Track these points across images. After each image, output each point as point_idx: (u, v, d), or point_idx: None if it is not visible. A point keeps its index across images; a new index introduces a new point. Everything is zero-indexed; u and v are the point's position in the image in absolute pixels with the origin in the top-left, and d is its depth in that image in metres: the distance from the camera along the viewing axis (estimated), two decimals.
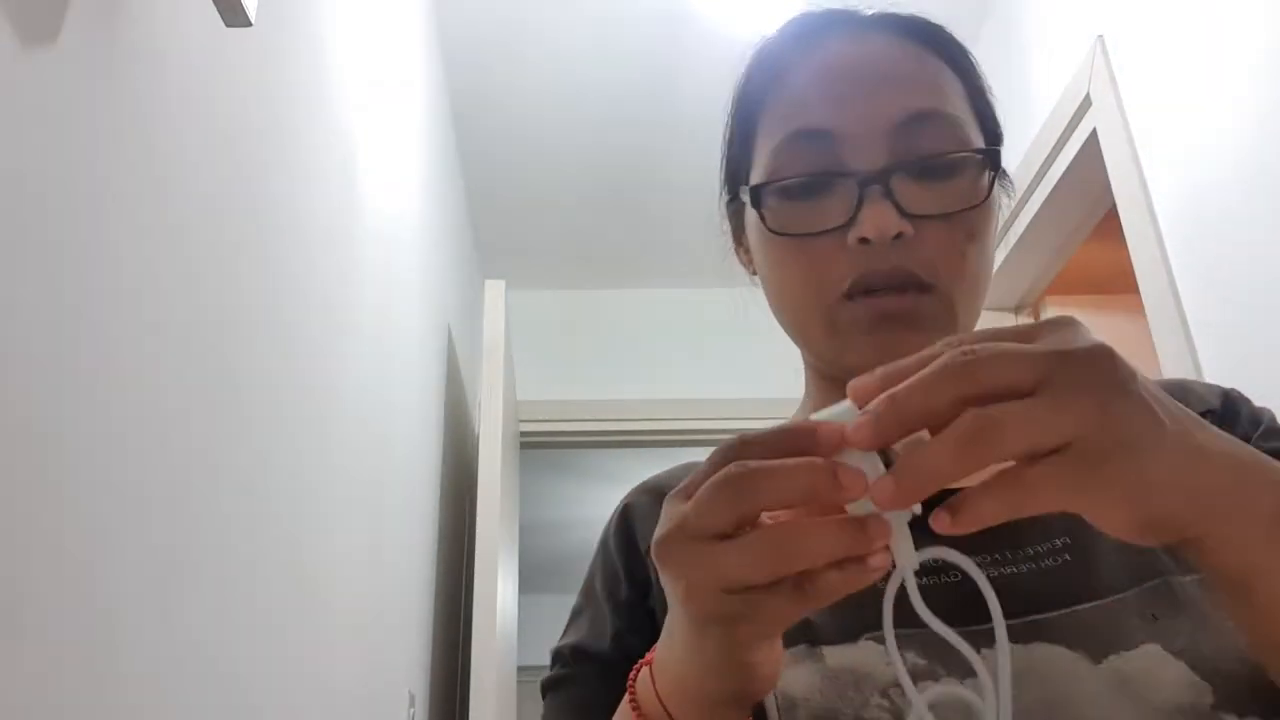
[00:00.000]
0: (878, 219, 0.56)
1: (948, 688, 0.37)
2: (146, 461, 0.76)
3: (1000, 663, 0.36)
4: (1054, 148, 2.08)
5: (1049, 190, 2.14)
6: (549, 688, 0.64)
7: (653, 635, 0.60)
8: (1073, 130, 2.03)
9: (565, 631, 0.67)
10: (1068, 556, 0.56)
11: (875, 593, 0.38)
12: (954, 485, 0.35)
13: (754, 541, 0.37)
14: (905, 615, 0.37)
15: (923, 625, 0.37)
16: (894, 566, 0.37)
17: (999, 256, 1.52)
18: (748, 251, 0.68)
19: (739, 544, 0.37)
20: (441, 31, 2.46)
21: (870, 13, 0.65)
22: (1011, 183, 0.67)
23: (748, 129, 0.65)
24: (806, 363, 0.68)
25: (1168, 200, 1.73)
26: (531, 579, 4.58)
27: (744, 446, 0.38)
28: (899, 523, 0.37)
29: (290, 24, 1.20)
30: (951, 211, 0.58)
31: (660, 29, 2.47)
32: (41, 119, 0.63)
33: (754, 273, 0.68)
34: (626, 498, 0.70)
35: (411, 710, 1.91)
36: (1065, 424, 0.34)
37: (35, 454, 0.61)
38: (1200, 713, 0.48)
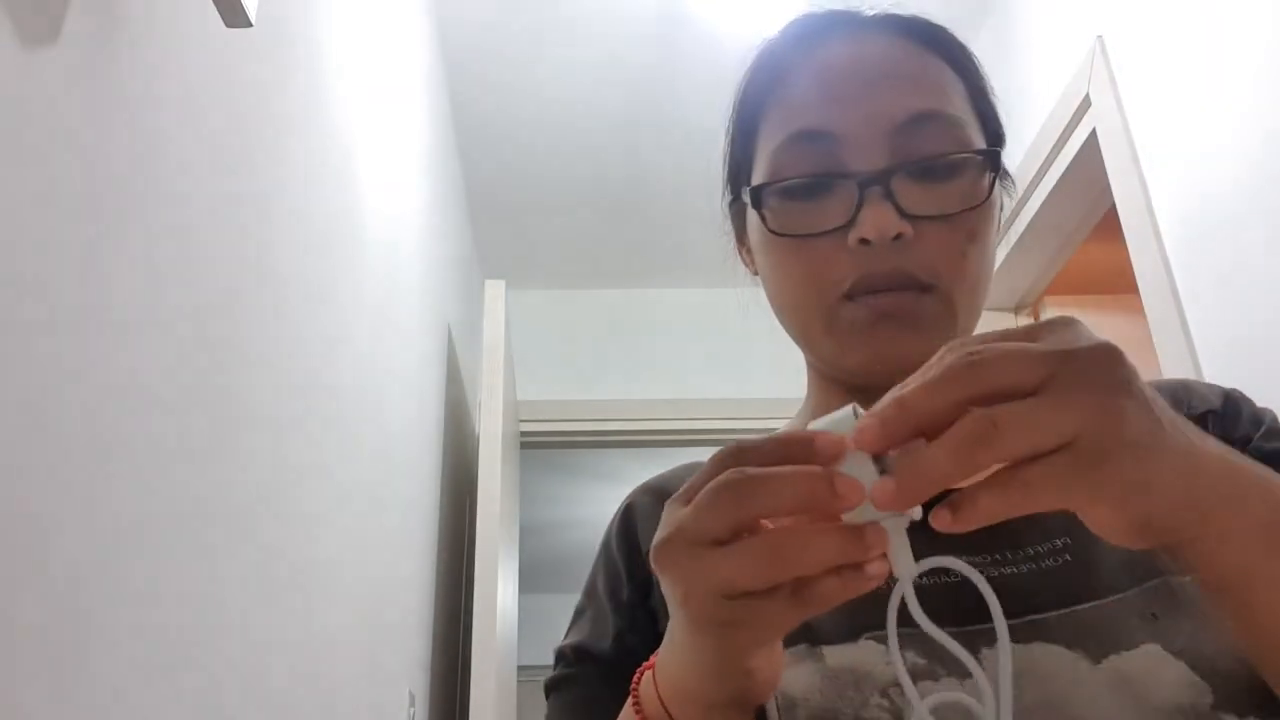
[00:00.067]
0: (878, 220, 0.57)
1: (949, 693, 0.38)
2: (145, 461, 0.76)
3: (1001, 664, 0.36)
4: (1054, 148, 2.08)
5: (1049, 190, 2.14)
6: (552, 688, 0.65)
7: (654, 635, 0.60)
8: (1072, 130, 2.03)
9: (568, 631, 0.67)
10: (1068, 557, 0.56)
11: (875, 592, 0.38)
12: (953, 485, 0.35)
13: (751, 547, 0.37)
14: (905, 615, 0.37)
15: None
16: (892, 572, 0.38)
17: (998, 256, 1.53)
18: (750, 252, 0.68)
19: (736, 549, 0.37)
20: (441, 32, 2.47)
21: (871, 13, 0.65)
22: (1013, 183, 0.67)
23: (749, 129, 0.65)
24: (808, 363, 0.68)
25: (1167, 200, 1.73)
26: (531, 579, 4.57)
27: (741, 454, 0.39)
28: (897, 530, 0.37)
29: (291, 24, 1.20)
30: (952, 212, 0.58)
31: (659, 31, 2.47)
32: (41, 119, 0.63)
33: (756, 273, 0.68)
34: (629, 498, 0.70)
35: (411, 710, 1.91)
36: (1067, 422, 0.34)
37: (36, 453, 0.61)
38: (1200, 713, 0.49)
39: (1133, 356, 0.37)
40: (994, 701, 0.36)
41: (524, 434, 3.11)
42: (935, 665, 0.52)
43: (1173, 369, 1.68)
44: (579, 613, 0.68)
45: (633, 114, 2.72)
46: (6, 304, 0.58)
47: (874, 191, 0.57)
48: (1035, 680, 0.50)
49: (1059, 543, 0.56)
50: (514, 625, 2.85)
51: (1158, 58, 1.75)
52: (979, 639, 0.36)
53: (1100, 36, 1.92)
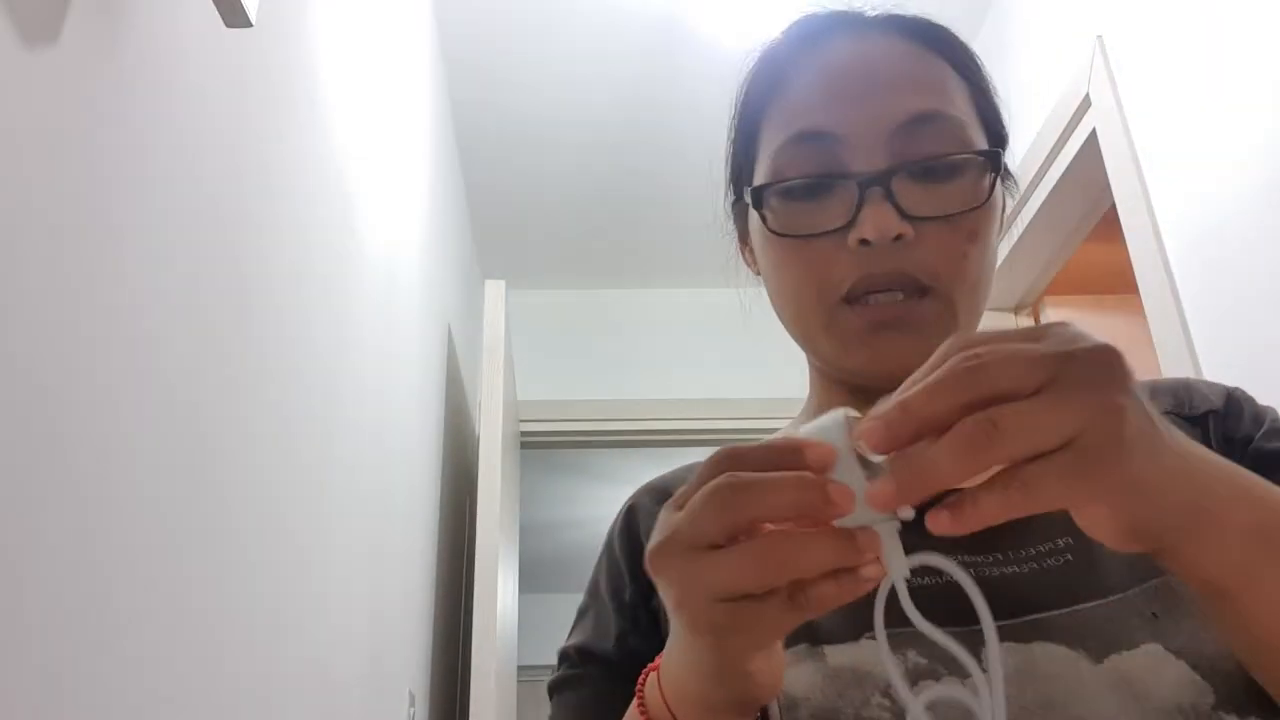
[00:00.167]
0: (878, 220, 0.57)
1: (945, 690, 0.38)
2: (146, 461, 0.76)
3: (991, 664, 0.36)
4: (1053, 148, 2.08)
5: (1048, 190, 2.14)
6: (556, 689, 0.65)
7: (657, 636, 0.61)
8: (1072, 130, 2.03)
9: (571, 631, 0.67)
10: (1070, 556, 0.56)
11: (876, 593, 0.38)
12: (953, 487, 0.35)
13: (745, 551, 0.37)
14: (905, 615, 0.37)
15: None
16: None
17: (998, 256, 1.53)
18: (752, 252, 0.68)
19: (731, 553, 0.37)
20: (442, 33, 2.47)
21: (873, 14, 0.65)
22: (1015, 183, 0.67)
23: (751, 130, 0.65)
24: (810, 363, 0.68)
25: (1167, 200, 1.73)
26: (531, 579, 4.58)
27: (734, 459, 0.39)
28: (889, 533, 0.37)
29: (291, 24, 1.20)
30: (952, 213, 0.58)
31: (658, 31, 2.48)
32: (41, 119, 0.63)
33: (758, 273, 0.68)
34: (631, 498, 0.71)
35: (411, 710, 1.91)
36: (1067, 422, 0.34)
37: (37, 452, 0.61)
38: (1201, 712, 0.49)
39: (1133, 356, 0.37)
40: (989, 700, 0.36)
41: (524, 434, 3.11)
42: (937, 665, 0.52)
43: (1173, 369, 1.68)
44: (582, 613, 0.68)
45: (633, 114, 2.72)
46: (7, 304, 0.58)
47: (874, 192, 0.57)
48: (1036, 679, 0.50)
49: (1061, 542, 0.56)
50: (514, 625, 2.85)
51: (1158, 57, 1.75)
52: (978, 638, 0.36)
53: (1100, 36, 1.92)
